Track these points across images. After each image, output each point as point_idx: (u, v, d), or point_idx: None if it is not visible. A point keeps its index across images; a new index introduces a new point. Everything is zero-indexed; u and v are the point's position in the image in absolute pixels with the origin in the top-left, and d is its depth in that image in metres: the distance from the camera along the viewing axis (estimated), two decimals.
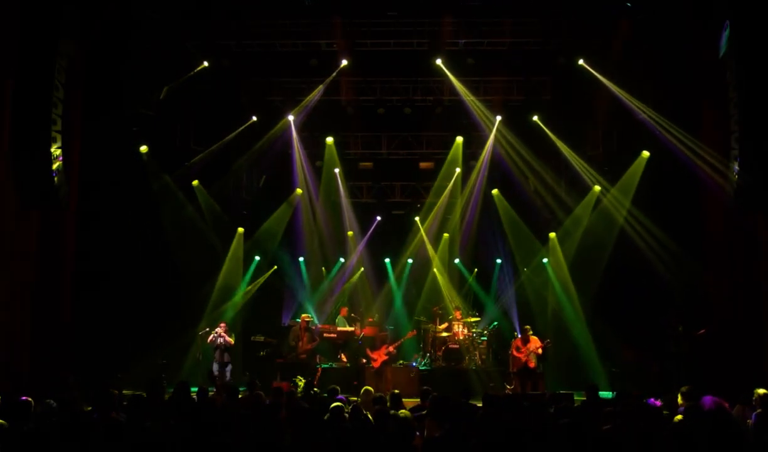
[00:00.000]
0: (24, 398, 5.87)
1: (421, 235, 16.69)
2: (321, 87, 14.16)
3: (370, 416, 6.02)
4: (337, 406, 5.80)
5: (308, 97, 14.44)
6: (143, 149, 13.58)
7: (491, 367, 13.91)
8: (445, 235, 16.87)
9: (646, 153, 13.62)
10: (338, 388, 7.84)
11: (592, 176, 14.60)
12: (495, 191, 16.21)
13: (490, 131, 14.89)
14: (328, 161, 15.76)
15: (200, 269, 14.47)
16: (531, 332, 12.57)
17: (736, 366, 9.85)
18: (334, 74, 13.91)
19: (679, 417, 5.40)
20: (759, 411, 5.82)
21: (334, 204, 16.64)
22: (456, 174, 15.90)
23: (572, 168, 14.78)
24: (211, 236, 15.06)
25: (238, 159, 15.37)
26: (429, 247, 16.61)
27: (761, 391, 6.50)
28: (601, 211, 14.57)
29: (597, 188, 14.66)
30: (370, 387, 8.01)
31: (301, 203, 16.30)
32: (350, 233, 17.10)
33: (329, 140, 15.52)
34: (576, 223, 15.09)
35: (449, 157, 15.63)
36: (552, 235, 15.74)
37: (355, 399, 8.00)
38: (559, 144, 14.55)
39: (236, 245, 15.71)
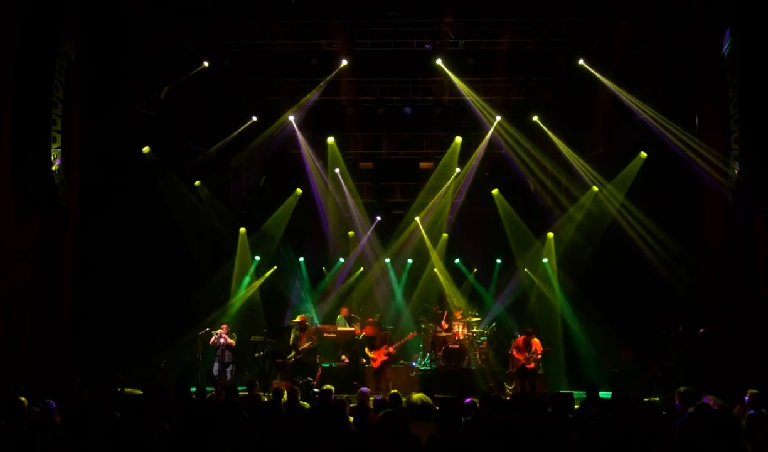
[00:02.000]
0: (18, 398, 5.84)
1: (406, 235, 16.69)
2: (321, 86, 14.15)
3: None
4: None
5: (306, 97, 14.44)
6: (146, 149, 13.58)
7: (491, 367, 13.91)
8: (444, 235, 16.88)
9: (643, 154, 13.62)
10: (332, 388, 7.84)
11: (592, 176, 14.61)
12: (495, 191, 16.21)
13: (491, 129, 14.90)
14: (331, 162, 15.77)
15: (203, 269, 14.50)
16: (534, 336, 12.51)
17: (736, 366, 9.84)
18: (334, 74, 13.92)
19: None
20: (751, 411, 5.80)
21: (337, 204, 16.65)
22: (454, 174, 15.91)
23: (571, 168, 14.78)
24: (220, 234, 15.08)
25: (238, 159, 15.39)
26: (429, 245, 16.63)
27: (753, 391, 6.53)
28: (598, 210, 14.58)
29: (595, 188, 14.67)
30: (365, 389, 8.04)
31: (303, 202, 16.33)
32: (351, 232, 17.10)
33: (330, 140, 15.52)
34: (573, 222, 15.10)
35: (445, 157, 15.63)
36: (550, 235, 15.76)
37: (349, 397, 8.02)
38: (558, 143, 14.56)
39: (242, 245, 15.77)
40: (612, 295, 13.96)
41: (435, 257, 16.50)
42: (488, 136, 15.07)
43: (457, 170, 15.88)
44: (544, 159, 15.13)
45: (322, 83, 14.12)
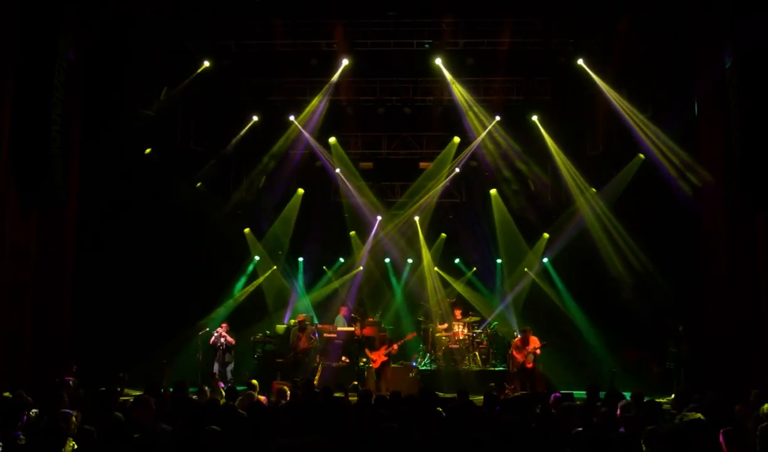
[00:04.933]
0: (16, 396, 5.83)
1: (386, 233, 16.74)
2: (328, 87, 14.16)
3: None
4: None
5: (315, 100, 14.42)
6: (147, 150, 13.56)
7: (491, 367, 13.91)
8: (443, 235, 16.86)
9: (641, 155, 13.63)
10: (331, 387, 7.85)
11: (589, 178, 14.66)
12: (493, 192, 16.19)
13: (481, 135, 14.90)
14: (337, 162, 15.76)
15: (204, 269, 14.52)
16: (531, 332, 12.57)
17: (736, 367, 9.85)
18: (338, 75, 13.91)
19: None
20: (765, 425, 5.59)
21: (340, 204, 16.66)
22: (453, 173, 15.92)
23: (570, 169, 14.79)
24: (223, 234, 15.11)
25: (243, 161, 15.39)
26: (423, 245, 16.67)
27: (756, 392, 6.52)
28: (593, 212, 14.62)
29: (593, 189, 14.70)
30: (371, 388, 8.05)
31: (305, 202, 16.35)
32: (353, 233, 17.07)
33: (332, 140, 15.49)
34: (569, 223, 15.09)
35: (440, 156, 15.62)
36: (545, 235, 15.77)
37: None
38: (551, 145, 14.59)
39: (252, 245, 15.88)
40: (611, 295, 14.00)
41: (427, 257, 16.50)
42: (481, 137, 15.06)
43: (456, 170, 15.90)
44: (541, 160, 15.15)
45: (327, 85, 14.11)
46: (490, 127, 14.82)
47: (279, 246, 16.19)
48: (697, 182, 11.32)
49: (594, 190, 14.71)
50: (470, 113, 14.58)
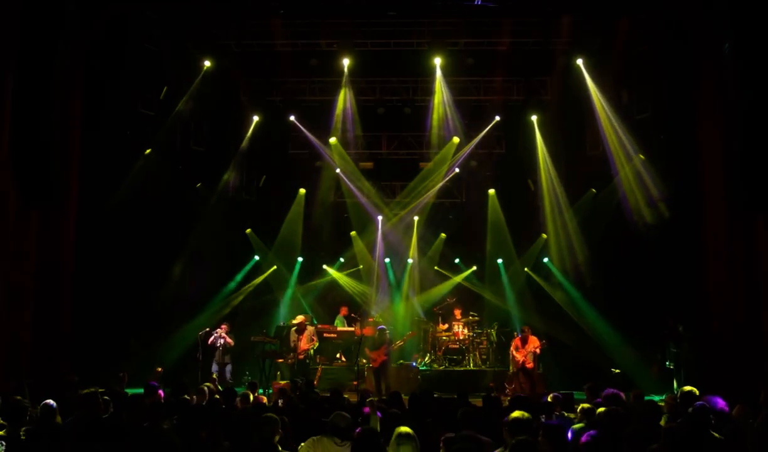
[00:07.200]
0: (18, 398, 5.83)
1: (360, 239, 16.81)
2: (343, 87, 14.17)
3: None
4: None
5: (340, 105, 14.46)
6: (147, 151, 13.57)
7: (491, 367, 13.91)
8: (442, 235, 16.85)
9: (641, 156, 13.63)
10: (340, 389, 7.86)
11: (588, 178, 14.66)
12: (491, 192, 16.18)
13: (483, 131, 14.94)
14: (338, 162, 15.77)
15: (205, 269, 14.52)
16: (530, 332, 12.60)
17: (736, 366, 9.85)
18: (345, 76, 13.90)
19: None
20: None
21: (340, 204, 16.65)
22: (453, 173, 15.93)
23: (569, 169, 14.79)
24: (224, 234, 15.11)
25: (244, 161, 15.41)
26: (414, 246, 16.70)
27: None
28: (594, 213, 14.64)
29: (593, 190, 14.70)
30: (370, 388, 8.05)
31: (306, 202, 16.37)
32: (353, 233, 17.06)
33: (333, 140, 15.49)
34: (569, 224, 15.09)
35: (438, 156, 15.62)
36: (543, 235, 15.78)
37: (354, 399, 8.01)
38: (540, 148, 14.60)
39: (256, 245, 15.95)
40: (611, 295, 14.00)
41: (414, 259, 16.52)
42: (479, 137, 15.07)
43: (456, 170, 15.89)
44: (542, 160, 15.17)
45: (342, 88, 14.13)
46: (489, 127, 14.84)
47: (292, 248, 16.16)
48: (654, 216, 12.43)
49: (594, 190, 14.70)
50: (435, 115, 14.57)
